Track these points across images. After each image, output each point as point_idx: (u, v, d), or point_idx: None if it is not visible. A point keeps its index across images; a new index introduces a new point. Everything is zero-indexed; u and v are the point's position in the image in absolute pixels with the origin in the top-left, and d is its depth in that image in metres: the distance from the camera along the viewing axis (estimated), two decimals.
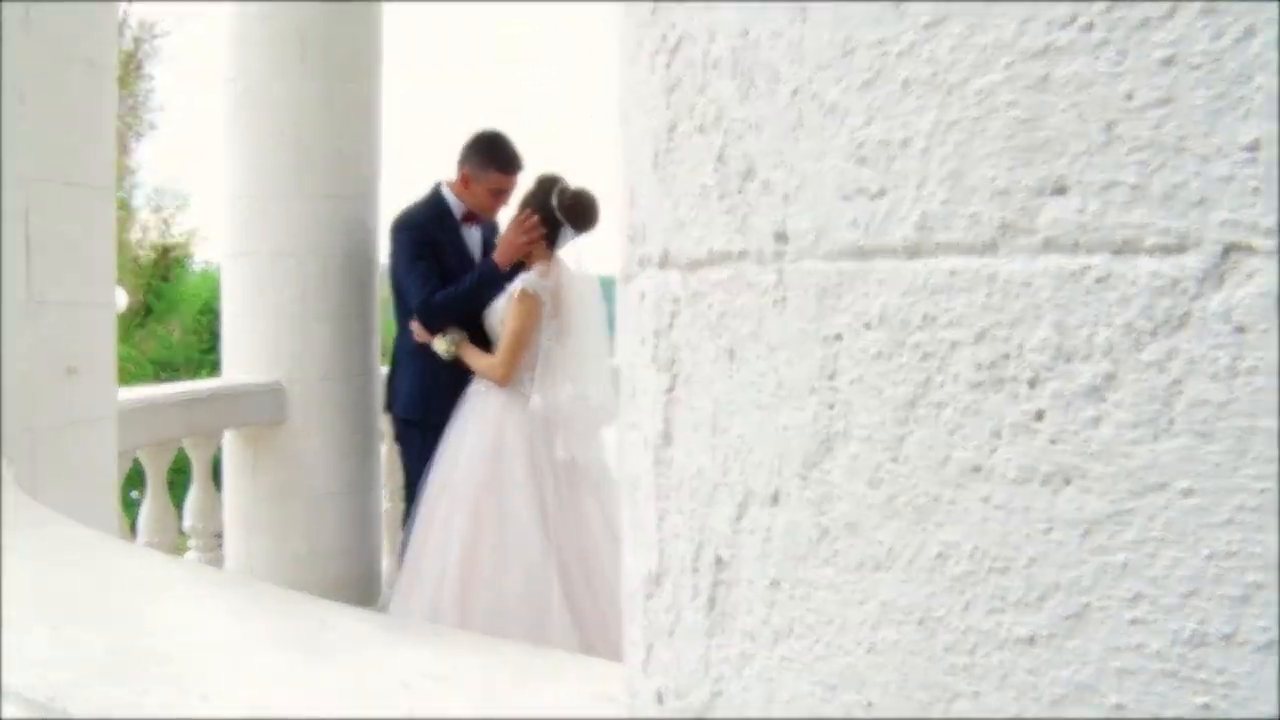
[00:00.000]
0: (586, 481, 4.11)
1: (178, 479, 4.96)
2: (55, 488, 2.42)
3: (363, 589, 4.78)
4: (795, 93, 0.76)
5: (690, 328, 0.88)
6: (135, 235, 13.15)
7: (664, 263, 0.92)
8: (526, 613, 3.90)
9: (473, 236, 4.52)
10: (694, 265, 0.88)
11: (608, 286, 4.17)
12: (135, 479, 4.23)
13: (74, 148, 2.52)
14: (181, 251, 14.39)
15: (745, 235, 0.81)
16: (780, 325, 0.77)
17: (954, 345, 0.66)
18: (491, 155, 4.44)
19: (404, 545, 4.28)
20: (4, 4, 2.28)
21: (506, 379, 4.10)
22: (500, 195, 4.43)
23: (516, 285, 4.18)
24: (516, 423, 4.09)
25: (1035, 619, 0.63)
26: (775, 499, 0.78)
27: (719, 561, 0.84)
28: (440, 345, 4.28)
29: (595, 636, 3.93)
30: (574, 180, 4.39)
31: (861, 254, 0.71)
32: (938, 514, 0.67)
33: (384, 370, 4.83)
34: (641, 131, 0.96)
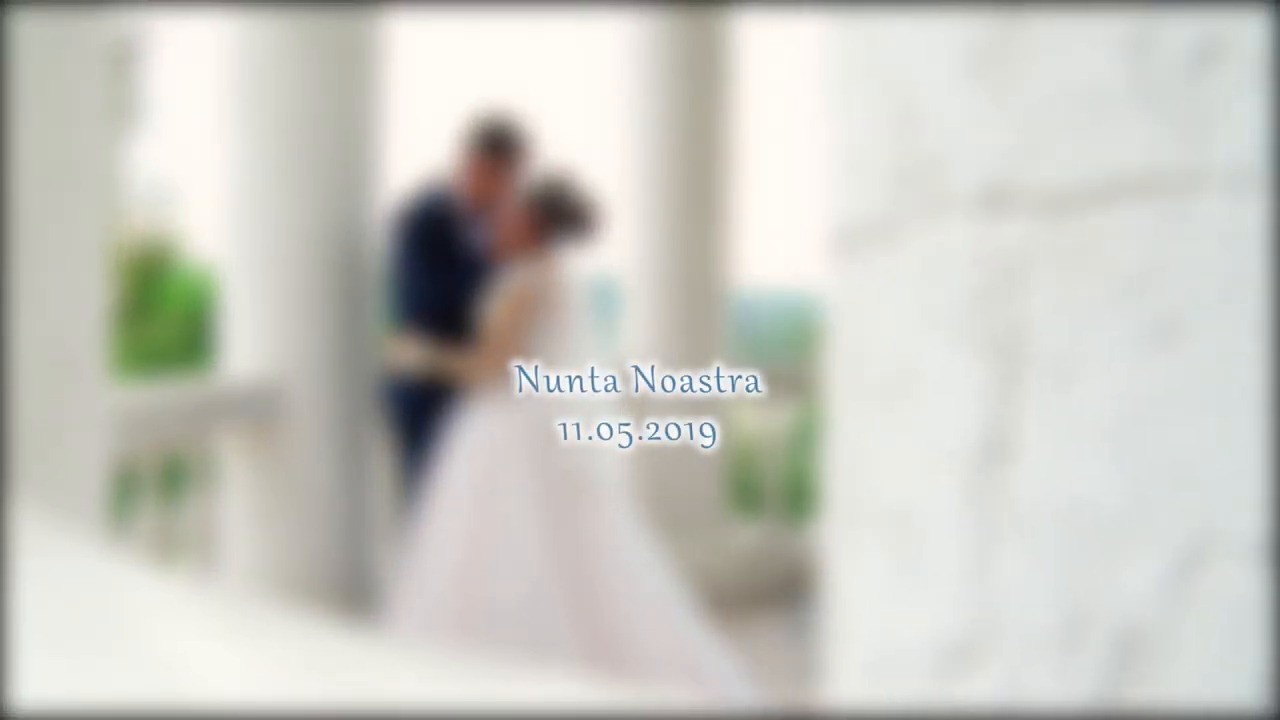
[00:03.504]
0: (587, 491, 3.99)
1: (172, 479, 4.83)
2: (43, 489, 2.27)
3: (361, 592, 4.70)
4: None
5: (1054, 294, 0.62)
6: (125, 231, 12.92)
7: (993, 201, 0.66)
8: (527, 619, 3.81)
9: (477, 229, 4.37)
10: (1062, 204, 0.62)
11: (604, 291, 4.09)
12: (128, 480, 4.08)
13: (66, 143, 2.45)
14: (172, 248, 14.15)
15: (1187, 155, 0.55)
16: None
17: None
18: (501, 142, 4.30)
19: (404, 548, 4.20)
20: (5, 2, 2.24)
21: (496, 377, 3.96)
22: (509, 184, 4.21)
23: (506, 281, 4.03)
24: (517, 426, 3.97)
25: None
26: (1260, 550, 0.52)
27: (1130, 634, 0.57)
28: (411, 358, 4.22)
29: (599, 649, 3.84)
30: (574, 174, 4.23)
31: None
32: None
33: (382, 371, 4.77)
34: (939, 34, 0.69)
